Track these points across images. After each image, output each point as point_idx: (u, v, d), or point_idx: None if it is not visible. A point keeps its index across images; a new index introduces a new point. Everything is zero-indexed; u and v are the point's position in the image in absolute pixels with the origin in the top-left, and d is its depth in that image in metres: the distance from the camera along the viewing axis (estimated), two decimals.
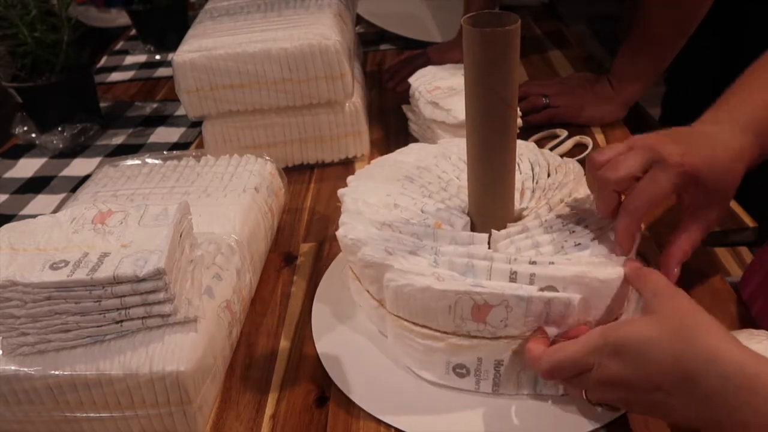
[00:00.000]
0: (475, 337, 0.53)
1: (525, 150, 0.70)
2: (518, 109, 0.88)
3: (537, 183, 0.65)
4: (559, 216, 0.59)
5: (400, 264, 0.54)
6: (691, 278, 0.66)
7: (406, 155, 0.72)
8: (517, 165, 0.67)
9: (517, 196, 0.62)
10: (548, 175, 0.66)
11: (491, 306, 0.51)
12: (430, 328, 0.54)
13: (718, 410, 0.40)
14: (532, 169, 0.67)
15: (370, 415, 0.55)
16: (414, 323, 0.55)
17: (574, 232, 0.57)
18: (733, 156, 0.53)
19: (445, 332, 0.54)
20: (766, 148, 0.56)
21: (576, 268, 0.51)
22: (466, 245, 0.56)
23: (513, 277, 0.52)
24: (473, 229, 0.60)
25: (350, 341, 0.62)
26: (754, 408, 0.38)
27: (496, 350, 0.53)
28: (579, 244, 0.55)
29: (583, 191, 0.62)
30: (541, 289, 0.51)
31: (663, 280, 0.48)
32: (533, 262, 0.53)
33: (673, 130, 0.55)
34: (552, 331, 0.52)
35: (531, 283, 0.51)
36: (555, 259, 0.53)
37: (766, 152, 0.56)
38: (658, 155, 0.52)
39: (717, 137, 0.54)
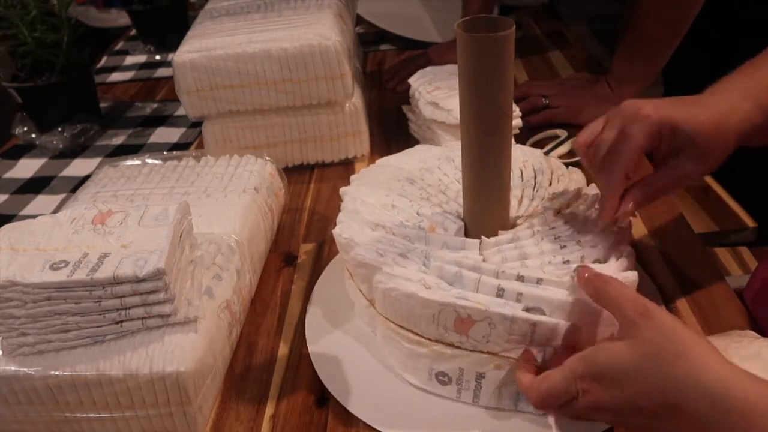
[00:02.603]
0: (457, 347, 0.53)
1: (530, 156, 0.70)
2: (518, 109, 0.88)
3: (537, 191, 0.65)
4: (552, 228, 0.58)
5: (389, 267, 0.54)
6: (691, 278, 0.66)
7: (411, 156, 0.72)
8: (520, 171, 0.67)
9: (515, 203, 0.62)
10: (549, 184, 0.66)
11: (474, 320, 0.50)
12: (415, 333, 0.54)
13: None
14: (535, 177, 0.66)
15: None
16: (400, 326, 0.55)
17: (564, 246, 0.56)
18: (721, 113, 0.50)
19: (428, 339, 0.54)
20: None
21: (566, 294, 0.50)
22: (457, 250, 0.56)
23: (500, 293, 0.51)
24: (467, 234, 0.60)
25: (344, 346, 0.62)
26: (744, 430, 0.37)
27: (478, 363, 0.53)
28: (567, 261, 0.54)
29: (581, 202, 0.61)
30: (528, 310, 0.50)
31: (629, 296, 0.45)
32: (521, 277, 0.52)
33: (665, 98, 0.54)
34: (539, 352, 0.51)
35: (518, 301, 0.51)
36: (543, 275, 0.52)
37: None
38: (631, 116, 0.51)
39: (707, 99, 0.52)
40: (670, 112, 0.50)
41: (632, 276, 0.52)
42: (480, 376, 0.53)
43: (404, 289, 0.52)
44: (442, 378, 0.55)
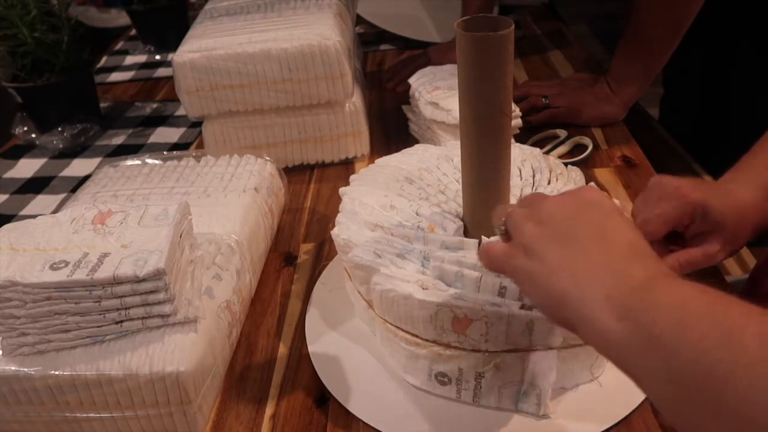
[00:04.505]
0: (456, 347, 0.53)
1: (529, 156, 0.69)
2: (518, 109, 0.88)
3: (536, 190, 0.64)
4: None
5: (387, 268, 0.54)
6: (690, 278, 0.65)
7: (410, 156, 0.72)
8: (518, 170, 0.67)
9: (514, 201, 0.62)
10: (548, 183, 0.66)
11: (471, 320, 0.50)
12: (413, 335, 0.54)
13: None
14: (533, 176, 0.66)
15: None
16: (398, 328, 0.55)
17: None
18: (746, 202, 0.56)
19: (426, 340, 0.54)
20: None
21: None
22: (455, 250, 0.56)
23: (502, 291, 0.51)
24: (466, 233, 0.59)
25: (344, 346, 0.62)
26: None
27: (477, 362, 0.53)
28: None
29: None
30: (530, 307, 0.50)
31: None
32: None
33: (695, 179, 0.59)
34: None
35: (519, 299, 0.51)
36: None
37: None
38: (671, 193, 0.55)
39: (732, 188, 0.57)
40: (706, 196, 0.55)
41: None
42: (479, 376, 0.53)
43: (401, 290, 0.52)
44: (442, 378, 0.55)
